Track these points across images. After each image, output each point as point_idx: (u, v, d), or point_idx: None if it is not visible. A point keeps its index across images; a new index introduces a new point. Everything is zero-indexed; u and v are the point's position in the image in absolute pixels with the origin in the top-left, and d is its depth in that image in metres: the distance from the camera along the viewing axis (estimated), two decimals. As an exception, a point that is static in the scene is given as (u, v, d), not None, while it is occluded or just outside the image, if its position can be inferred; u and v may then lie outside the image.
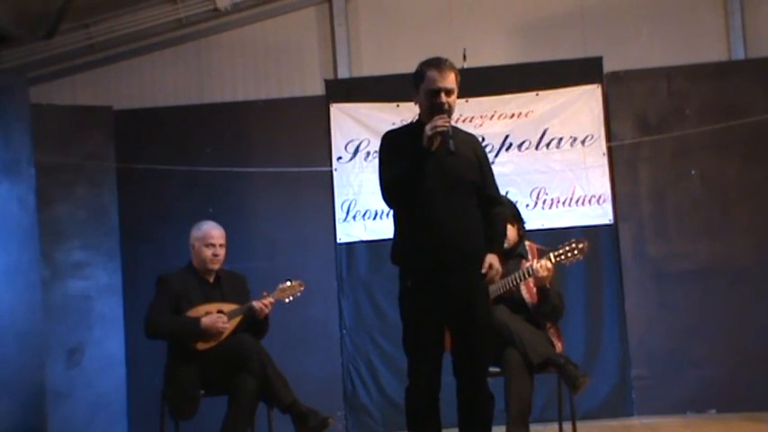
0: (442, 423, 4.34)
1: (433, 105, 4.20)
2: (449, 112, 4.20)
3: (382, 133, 7.30)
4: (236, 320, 5.41)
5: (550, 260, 5.19)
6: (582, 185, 7.40)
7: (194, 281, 5.50)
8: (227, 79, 7.91)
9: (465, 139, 4.36)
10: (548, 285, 5.18)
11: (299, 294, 5.62)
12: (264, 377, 5.19)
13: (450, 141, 4.12)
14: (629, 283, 7.33)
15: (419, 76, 4.28)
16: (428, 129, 4.15)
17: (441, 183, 4.19)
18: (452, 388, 4.33)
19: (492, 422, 4.34)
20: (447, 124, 4.13)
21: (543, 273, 5.13)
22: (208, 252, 5.48)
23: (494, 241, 4.32)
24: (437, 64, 4.25)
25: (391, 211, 4.16)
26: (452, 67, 4.27)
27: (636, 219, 7.41)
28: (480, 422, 4.30)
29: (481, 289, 4.29)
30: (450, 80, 4.23)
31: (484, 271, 4.21)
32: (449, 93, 4.22)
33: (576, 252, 5.20)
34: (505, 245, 5.28)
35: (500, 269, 4.28)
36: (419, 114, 4.36)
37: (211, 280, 5.54)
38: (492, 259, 4.24)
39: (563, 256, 5.21)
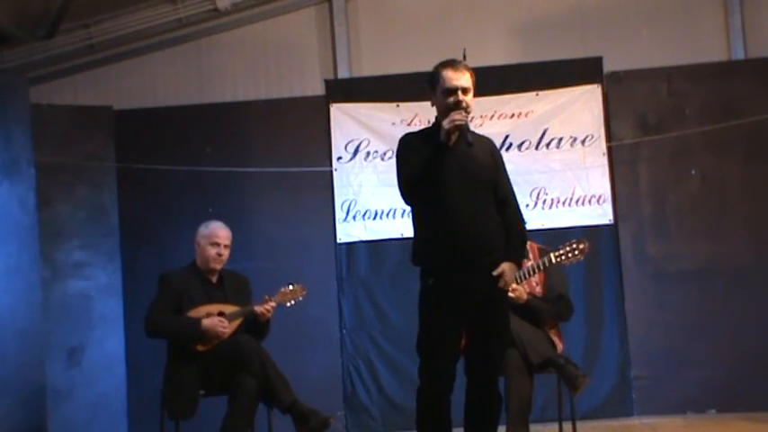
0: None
1: (453, 103, 4.25)
2: (466, 109, 4.24)
3: (382, 133, 7.48)
4: (237, 323, 5.41)
5: (544, 264, 5.20)
6: (582, 185, 7.40)
7: (197, 280, 5.50)
8: (227, 79, 7.91)
9: (481, 140, 4.40)
10: (521, 302, 5.19)
11: (300, 299, 5.62)
12: (265, 377, 5.19)
13: (469, 134, 4.17)
14: (629, 283, 7.33)
15: (435, 76, 4.33)
16: (446, 123, 4.19)
17: (460, 181, 4.22)
18: (458, 388, 4.32)
19: (498, 423, 4.34)
20: (464, 118, 4.18)
21: (511, 294, 5.14)
22: (212, 251, 5.48)
23: (511, 248, 4.31)
24: (452, 63, 4.34)
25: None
26: (467, 68, 4.34)
27: (636, 219, 7.41)
28: (488, 423, 4.29)
29: (501, 289, 4.29)
30: (466, 79, 4.30)
31: (495, 273, 4.21)
32: (465, 91, 4.28)
33: (576, 252, 5.21)
34: None
35: (509, 282, 4.28)
36: (436, 116, 4.40)
37: (214, 280, 5.54)
38: (506, 267, 4.25)
39: (563, 257, 5.22)
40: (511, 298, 5.09)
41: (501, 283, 4.23)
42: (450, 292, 4.20)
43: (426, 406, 4.25)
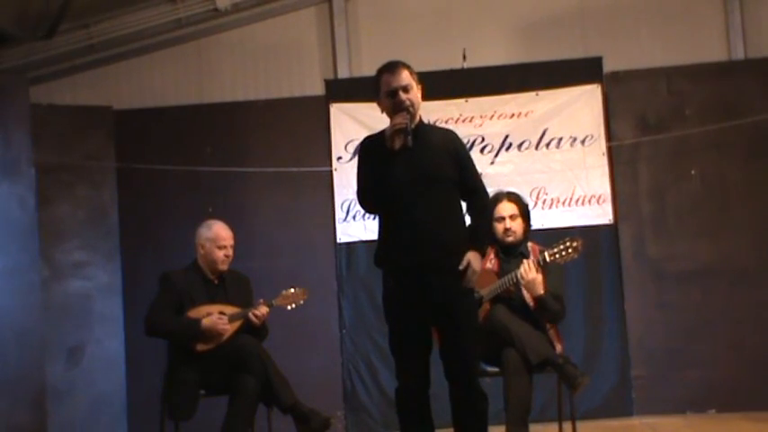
0: (438, 423, 4.34)
1: (394, 104, 4.30)
2: (409, 107, 4.28)
3: (382, 133, 7.45)
4: (237, 324, 5.40)
5: (538, 262, 5.18)
6: (582, 185, 7.40)
7: (198, 280, 5.49)
8: (227, 79, 7.91)
9: (440, 135, 4.43)
10: (541, 292, 5.16)
11: (301, 303, 5.61)
12: (266, 378, 5.19)
13: (409, 137, 4.19)
14: (629, 283, 7.33)
15: (377, 82, 4.39)
16: (388, 129, 4.26)
17: (414, 181, 4.24)
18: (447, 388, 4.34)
19: (487, 420, 4.34)
20: (405, 120, 4.22)
21: (529, 277, 5.12)
22: (219, 253, 5.48)
23: (476, 238, 4.32)
24: (388, 66, 4.38)
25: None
26: (405, 66, 4.38)
27: (636, 219, 7.42)
28: (475, 422, 4.30)
29: (464, 288, 4.28)
30: (404, 77, 4.32)
31: (461, 268, 4.22)
32: (405, 89, 4.30)
33: (570, 251, 5.18)
34: (512, 238, 5.30)
35: (478, 270, 4.25)
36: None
37: (216, 280, 5.54)
38: (471, 257, 4.24)
39: (557, 255, 5.19)
40: (522, 277, 5.09)
41: (469, 272, 4.21)
42: (409, 293, 4.23)
43: (403, 404, 4.30)
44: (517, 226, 5.31)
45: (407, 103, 4.28)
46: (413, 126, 4.27)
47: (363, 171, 4.36)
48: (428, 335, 4.30)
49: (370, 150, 4.38)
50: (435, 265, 4.22)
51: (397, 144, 4.21)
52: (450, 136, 4.47)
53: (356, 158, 7.31)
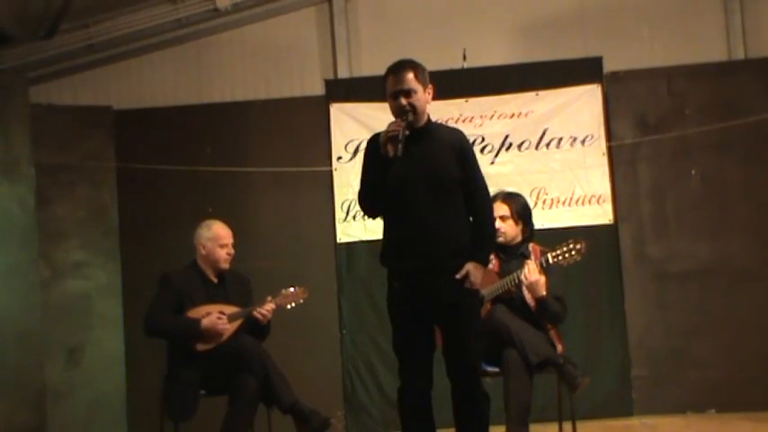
0: (439, 423, 4.35)
1: (395, 108, 4.29)
2: (410, 112, 4.25)
3: (382, 133, 7.44)
4: (237, 323, 5.40)
5: (541, 264, 5.17)
6: (582, 185, 7.40)
7: (198, 280, 5.50)
8: (227, 79, 7.91)
9: (447, 134, 4.40)
10: (543, 293, 5.16)
11: (301, 302, 5.61)
12: (265, 378, 5.20)
13: (399, 146, 4.15)
14: (629, 284, 7.33)
15: (384, 81, 4.36)
16: (382, 135, 4.22)
17: (420, 180, 4.22)
18: (449, 388, 4.34)
19: (488, 421, 4.34)
20: (398, 129, 4.18)
21: (532, 278, 5.11)
22: (222, 252, 5.50)
23: (477, 246, 4.29)
24: (394, 68, 4.34)
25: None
26: (411, 67, 4.32)
27: (636, 219, 7.42)
28: (477, 422, 4.30)
29: (468, 290, 4.28)
30: (407, 80, 4.28)
31: (458, 276, 4.21)
32: (406, 93, 4.26)
33: (573, 253, 5.18)
34: (501, 239, 5.29)
35: (476, 282, 4.25)
36: None
37: (215, 280, 5.54)
38: (471, 267, 4.22)
39: (560, 257, 5.19)
40: (526, 278, 5.09)
41: (467, 284, 4.21)
42: (414, 293, 4.23)
43: (406, 404, 4.30)
44: (507, 227, 5.31)
45: (407, 107, 4.24)
46: (419, 126, 4.25)
47: (365, 173, 4.34)
48: (432, 335, 4.31)
49: (375, 150, 4.32)
50: (443, 267, 4.21)
51: (391, 152, 4.18)
52: (458, 135, 4.45)
53: (356, 158, 7.47)
